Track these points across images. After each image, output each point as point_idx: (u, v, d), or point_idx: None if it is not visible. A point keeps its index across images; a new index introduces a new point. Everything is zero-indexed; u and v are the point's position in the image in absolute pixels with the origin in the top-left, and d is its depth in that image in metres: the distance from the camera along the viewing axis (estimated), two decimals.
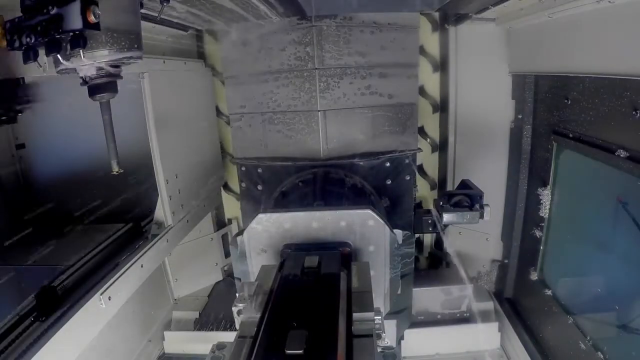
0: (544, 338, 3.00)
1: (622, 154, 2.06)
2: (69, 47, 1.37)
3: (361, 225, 2.03)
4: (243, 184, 3.35)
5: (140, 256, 2.50)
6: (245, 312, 1.53)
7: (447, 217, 2.55)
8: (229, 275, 4.05)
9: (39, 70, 1.85)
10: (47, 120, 3.83)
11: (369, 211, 2.01)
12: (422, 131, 3.79)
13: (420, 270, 4.04)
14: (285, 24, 3.00)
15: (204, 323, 3.55)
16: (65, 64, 1.45)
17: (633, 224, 2.19)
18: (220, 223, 4.10)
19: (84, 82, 1.55)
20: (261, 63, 3.13)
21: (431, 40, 3.64)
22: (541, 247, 3.04)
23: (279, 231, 2.05)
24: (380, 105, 3.14)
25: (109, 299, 2.17)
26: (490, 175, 3.39)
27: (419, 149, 3.32)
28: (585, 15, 2.15)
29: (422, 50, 3.60)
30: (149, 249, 2.60)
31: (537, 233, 3.04)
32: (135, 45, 1.53)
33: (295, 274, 1.70)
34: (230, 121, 3.37)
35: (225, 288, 3.95)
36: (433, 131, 3.85)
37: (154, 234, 2.82)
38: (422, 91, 3.70)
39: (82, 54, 1.40)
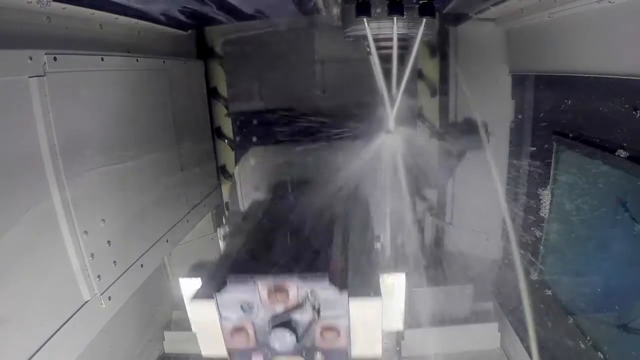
0: (544, 338, 3.00)
1: (622, 154, 2.06)
2: None
3: None
4: (238, 138, 3.54)
5: (140, 256, 2.50)
6: (231, 236, 1.43)
7: None
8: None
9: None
10: None
11: None
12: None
13: (420, 270, 4.03)
14: (286, 23, 3.00)
15: None
16: None
17: (633, 224, 2.19)
18: (221, 223, 4.09)
19: None
20: (261, 62, 3.13)
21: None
22: (541, 247, 3.03)
23: None
24: None
25: (109, 299, 2.16)
26: (490, 175, 3.39)
27: None
28: (585, 15, 2.15)
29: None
30: (149, 249, 2.60)
31: (537, 233, 3.04)
32: None
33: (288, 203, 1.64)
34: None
35: None
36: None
37: None
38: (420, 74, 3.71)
39: None
